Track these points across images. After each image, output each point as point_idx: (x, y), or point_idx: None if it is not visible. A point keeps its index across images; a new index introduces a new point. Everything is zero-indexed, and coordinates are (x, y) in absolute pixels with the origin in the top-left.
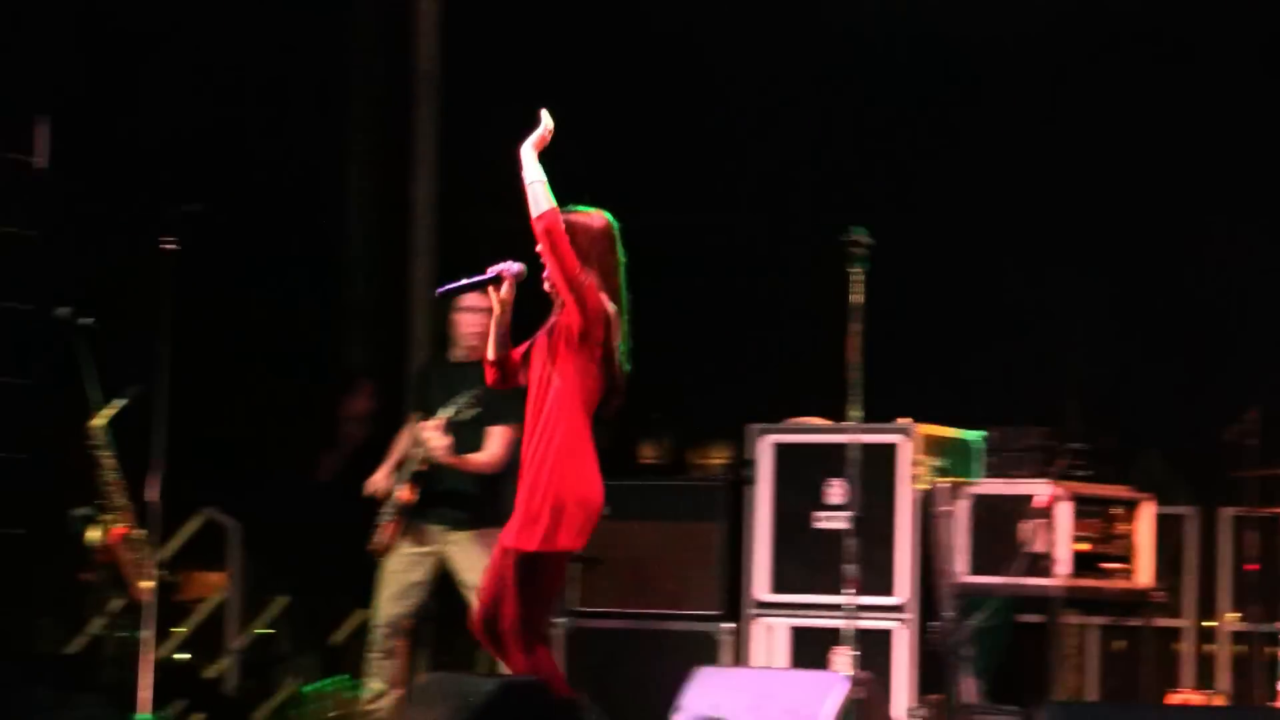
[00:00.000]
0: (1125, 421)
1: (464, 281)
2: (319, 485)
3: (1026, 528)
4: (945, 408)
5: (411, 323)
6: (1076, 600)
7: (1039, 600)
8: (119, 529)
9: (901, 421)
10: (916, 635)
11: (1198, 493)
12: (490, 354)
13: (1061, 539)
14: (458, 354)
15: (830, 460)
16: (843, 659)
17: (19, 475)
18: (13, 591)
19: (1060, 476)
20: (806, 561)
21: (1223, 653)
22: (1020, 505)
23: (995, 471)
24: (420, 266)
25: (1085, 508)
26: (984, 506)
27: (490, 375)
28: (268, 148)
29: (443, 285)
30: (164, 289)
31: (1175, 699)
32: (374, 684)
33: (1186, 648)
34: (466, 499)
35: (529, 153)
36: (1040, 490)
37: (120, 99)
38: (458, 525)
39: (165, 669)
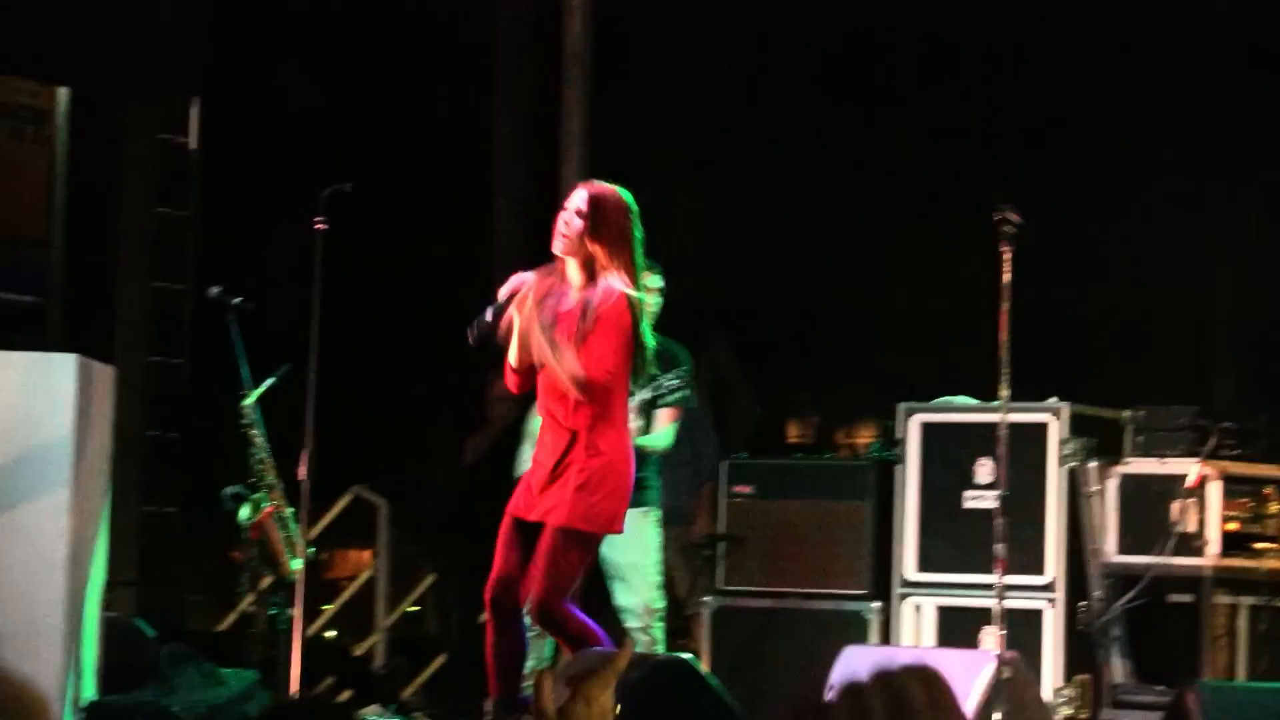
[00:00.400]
0: (1276, 399)
1: (489, 314)
2: (465, 467)
3: (1176, 507)
4: (1094, 386)
5: None
6: (1226, 580)
7: (1189, 580)
8: (269, 507)
9: (1051, 401)
10: (1065, 615)
11: None
12: (514, 362)
13: (1212, 518)
14: None
15: (979, 439)
16: (991, 638)
17: (171, 454)
18: (164, 569)
19: (1211, 455)
20: (955, 540)
21: None
22: (1170, 484)
23: (1145, 450)
24: None
25: (1236, 487)
26: (1133, 485)
27: (513, 382)
28: (416, 128)
29: (473, 329)
30: (314, 268)
31: None
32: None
33: None
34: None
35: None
36: (1190, 469)
37: (270, 79)
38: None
39: (314, 646)
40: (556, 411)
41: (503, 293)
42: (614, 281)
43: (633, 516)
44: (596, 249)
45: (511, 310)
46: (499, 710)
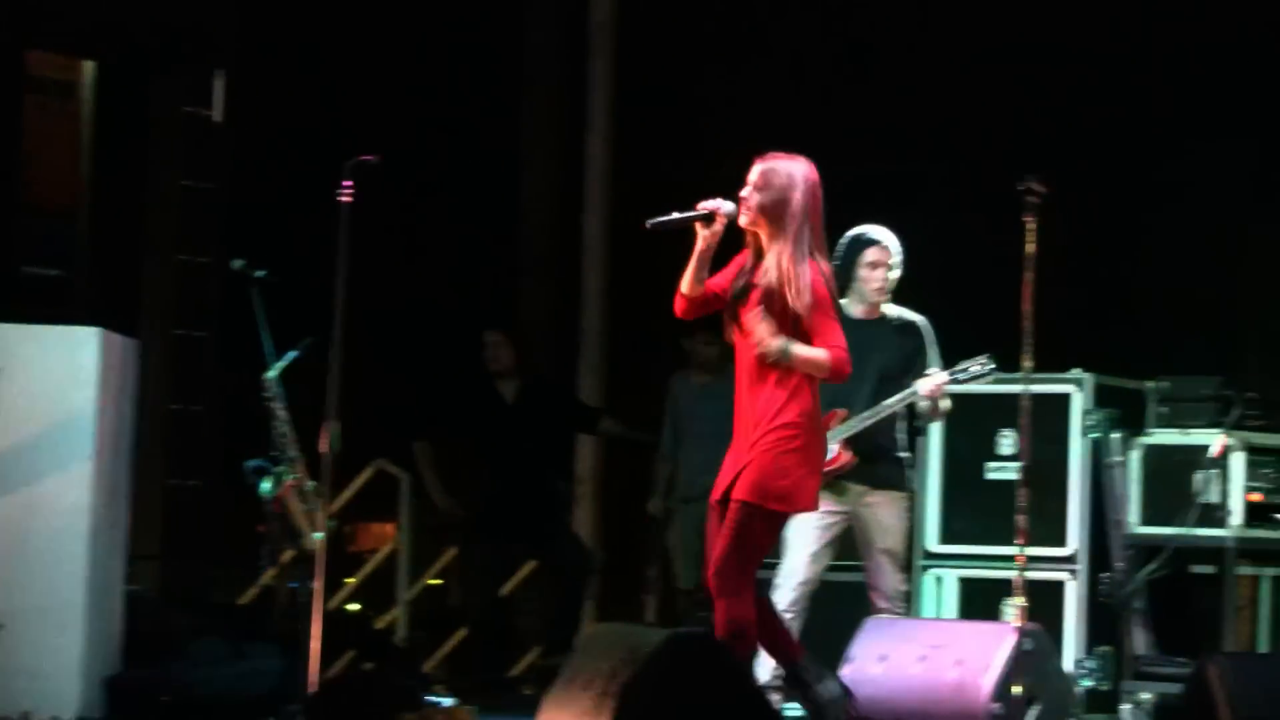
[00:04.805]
0: None
1: (675, 216)
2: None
3: (1199, 478)
4: (1117, 357)
5: (584, 274)
6: (1249, 551)
7: (1211, 551)
8: (291, 480)
9: (1074, 371)
10: (1087, 586)
11: None
12: (685, 288)
13: (1235, 489)
14: (859, 309)
15: (1002, 411)
16: (1012, 610)
17: (195, 427)
18: (187, 542)
19: (1234, 426)
20: (977, 512)
21: None
22: (1193, 455)
23: (1168, 421)
24: (594, 218)
25: (1259, 457)
26: (1156, 456)
27: (680, 306)
28: (443, 99)
29: (654, 219)
30: (339, 240)
31: None
32: None
33: None
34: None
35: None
36: (1214, 440)
37: (295, 50)
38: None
39: (336, 619)
40: (755, 386)
41: (701, 206)
42: (785, 258)
43: (893, 499)
44: (763, 221)
45: (698, 230)
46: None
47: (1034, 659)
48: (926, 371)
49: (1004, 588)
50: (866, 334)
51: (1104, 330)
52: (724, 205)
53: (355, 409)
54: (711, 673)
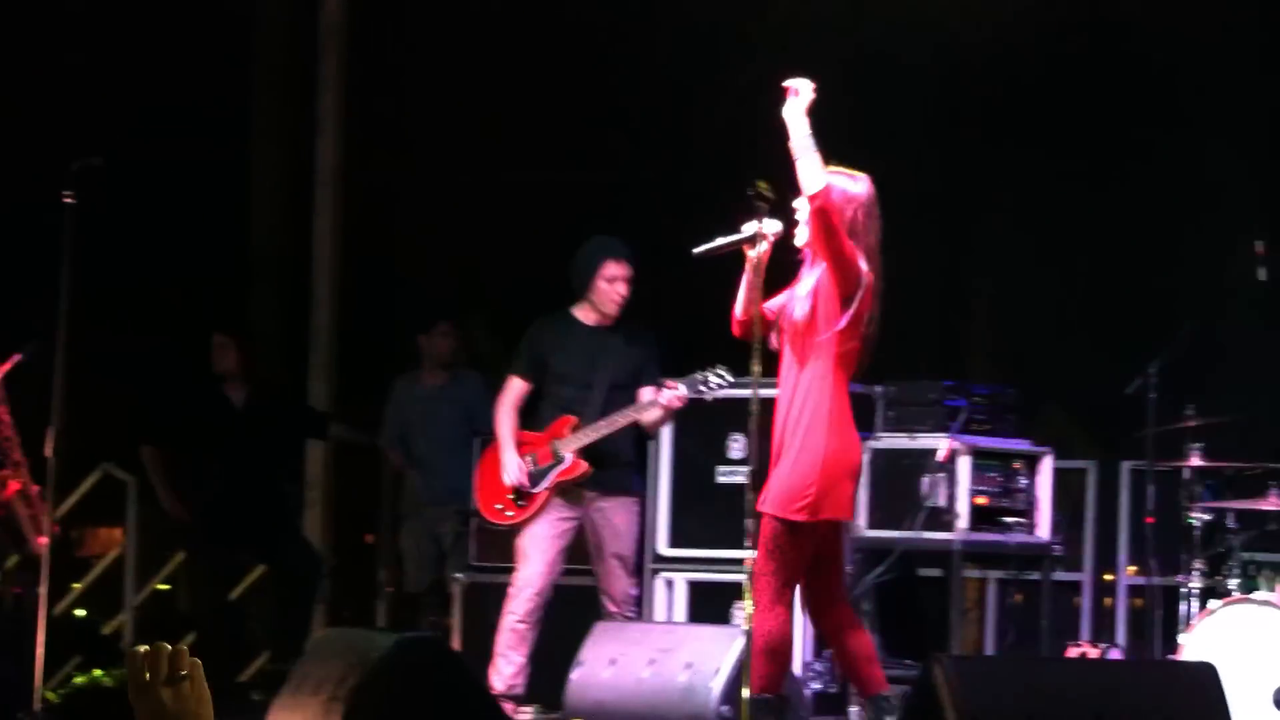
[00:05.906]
0: (1027, 375)
1: (720, 241)
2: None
3: (926, 482)
4: None
5: (315, 279)
6: (976, 554)
7: (939, 554)
8: (15, 484)
9: None
10: None
11: (1098, 446)
12: (739, 312)
13: (961, 493)
14: (591, 318)
15: (732, 415)
16: (742, 614)
17: None
18: None
19: (960, 430)
20: (707, 516)
21: (1121, 606)
22: (921, 459)
23: (895, 425)
24: (324, 223)
25: (985, 461)
26: (884, 460)
27: (738, 330)
28: (173, 101)
29: (698, 247)
30: (63, 244)
31: (1073, 652)
32: None
33: (1085, 601)
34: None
35: (799, 120)
36: (941, 444)
37: (19, 47)
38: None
39: (62, 625)
40: (791, 397)
41: (745, 227)
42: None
43: (624, 504)
44: (811, 235)
45: (746, 253)
46: (753, 708)
47: None
48: (664, 382)
49: (734, 591)
50: (598, 342)
51: None
52: (769, 225)
53: (81, 413)
54: (441, 678)
